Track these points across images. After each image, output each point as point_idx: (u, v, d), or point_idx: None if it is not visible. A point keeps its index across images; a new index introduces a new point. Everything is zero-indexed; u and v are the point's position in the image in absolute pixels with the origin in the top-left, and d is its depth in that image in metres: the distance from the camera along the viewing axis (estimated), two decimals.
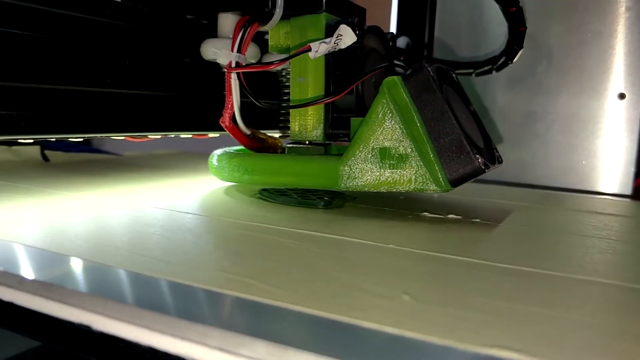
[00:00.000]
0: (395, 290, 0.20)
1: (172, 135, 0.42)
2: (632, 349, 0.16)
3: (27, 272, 0.20)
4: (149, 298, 0.18)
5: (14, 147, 0.58)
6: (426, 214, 0.34)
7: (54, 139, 0.40)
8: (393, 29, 0.64)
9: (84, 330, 0.18)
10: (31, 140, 0.40)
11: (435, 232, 0.30)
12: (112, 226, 0.28)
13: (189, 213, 0.31)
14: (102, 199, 0.35)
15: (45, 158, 0.59)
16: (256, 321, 0.17)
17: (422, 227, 0.31)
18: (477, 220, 0.33)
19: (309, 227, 0.29)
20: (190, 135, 0.44)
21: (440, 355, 0.15)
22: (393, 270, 0.22)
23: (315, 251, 0.25)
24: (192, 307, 0.18)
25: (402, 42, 0.63)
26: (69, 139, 0.38)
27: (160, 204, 0.34)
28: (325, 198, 0.35)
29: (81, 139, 0.38)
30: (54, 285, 0.19)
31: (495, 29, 0.56)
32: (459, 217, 0.34)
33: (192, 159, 0.64)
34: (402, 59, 0.56)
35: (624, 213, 0.41)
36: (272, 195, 0.36)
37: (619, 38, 0.51)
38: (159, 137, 0.42)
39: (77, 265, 0.21)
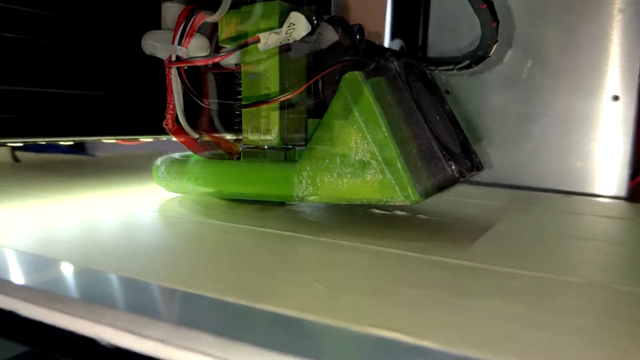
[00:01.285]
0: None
1: (164, 139, 0.41)
2: (631, 353, 0.15)
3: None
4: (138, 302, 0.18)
5: None
6: (376, 210, 0.34)
7: (44, 142, 0.41)
8: (387, 32, 0.66)
9: (74, 337, 0.18)
10: (21, 144, 0.41)
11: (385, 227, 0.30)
12: (65, 227, 0.27)
13: (153, 212, 0.31)
14: (68, 201, 0.34)
15: (15, 159, 0.58)
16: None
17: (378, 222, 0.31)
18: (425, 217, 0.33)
19: (265, 224, 0.29)
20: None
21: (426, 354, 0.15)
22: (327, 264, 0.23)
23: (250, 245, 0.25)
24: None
25: (396, 44, 0.64)
26: (60, 142, 0.39)
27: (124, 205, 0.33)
28: None
29: (72, 142, 0.38)
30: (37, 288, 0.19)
31: None
32: (406, 213, 0.33)
33: None
34: None
35: (619, 215, 0.40)
36: None
37: (613, 40, 0.51)
38: (151, 140, 0.42)
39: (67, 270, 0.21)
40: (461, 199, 0.42)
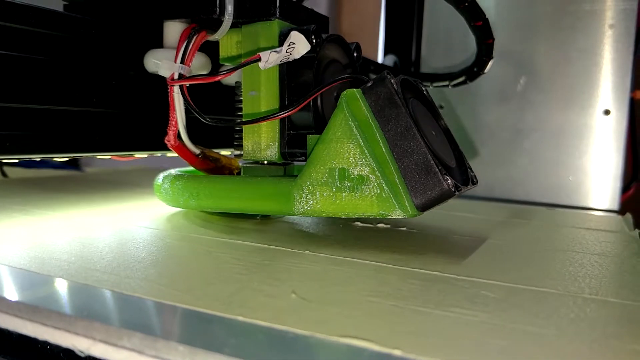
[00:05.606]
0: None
1: (159, 155, 0.41)
2: None
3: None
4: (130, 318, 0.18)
5: None
6: (357, 223, 0.34)
7: (38, 159, 0.41)
8: (381, 47, 0.67)
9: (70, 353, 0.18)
10: (16, 160, 0.41)
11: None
12: (56, 244, 0.27)
13: (148, 228, 0.31)
14: (56, 217, 0.34)
15: (3, 174, 0.58)
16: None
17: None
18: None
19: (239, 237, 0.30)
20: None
21: None
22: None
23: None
24: None
25: (389, 60, 0.65)
26: (54, 159, 0.39)
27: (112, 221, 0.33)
28: None
29: (66, 159, 0.38)
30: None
31: None
32: (388, 226, 0.34)
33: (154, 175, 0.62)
34: None
35: (611, 228, 0.40)
36: None
37: (604, 55, 0.52)
38: (145, 155, 0.42)
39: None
40: (466, 215, 0.42)
